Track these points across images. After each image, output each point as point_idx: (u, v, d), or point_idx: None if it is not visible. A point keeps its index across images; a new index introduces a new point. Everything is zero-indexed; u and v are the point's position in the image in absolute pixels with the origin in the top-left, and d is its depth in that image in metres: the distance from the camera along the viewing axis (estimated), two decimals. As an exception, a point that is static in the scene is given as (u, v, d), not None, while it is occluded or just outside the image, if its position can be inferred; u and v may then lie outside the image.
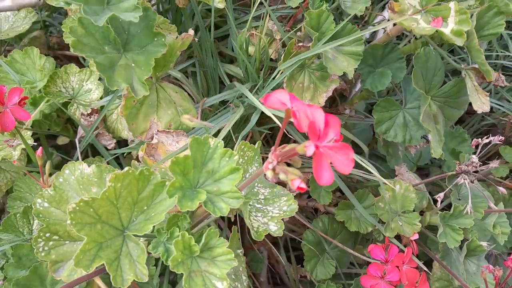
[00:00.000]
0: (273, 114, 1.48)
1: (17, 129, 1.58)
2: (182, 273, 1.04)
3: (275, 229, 1.25)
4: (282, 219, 1.27)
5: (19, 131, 1.60)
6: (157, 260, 1.79)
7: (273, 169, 0.90)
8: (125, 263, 1.05)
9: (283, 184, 1.93)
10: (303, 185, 0.85)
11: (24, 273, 1.45)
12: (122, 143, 1.99)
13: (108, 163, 1.87)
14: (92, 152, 2.01)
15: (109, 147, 1.91)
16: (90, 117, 1.88)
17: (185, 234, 1.04)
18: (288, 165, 0.93)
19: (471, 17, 1.51)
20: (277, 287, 2.35)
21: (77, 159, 1.88)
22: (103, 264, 1.04)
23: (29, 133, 1.80)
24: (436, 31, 1.50)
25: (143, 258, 1.04)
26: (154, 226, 1.10)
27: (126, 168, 1.04)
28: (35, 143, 1.74)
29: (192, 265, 1.06)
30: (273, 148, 0.92)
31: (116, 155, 1.89)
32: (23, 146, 1.66)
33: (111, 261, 1.03)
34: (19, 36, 2.11)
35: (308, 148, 0.80)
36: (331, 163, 0.82)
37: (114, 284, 1.00)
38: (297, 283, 2.13)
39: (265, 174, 0.92)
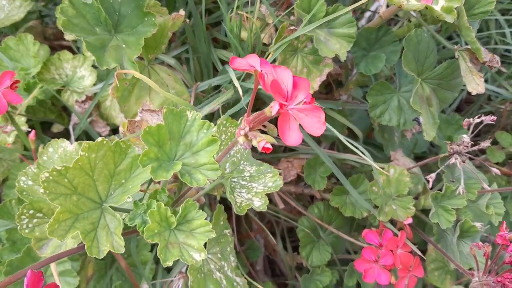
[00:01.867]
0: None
1: (9, 113, 1.58)
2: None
3: (259, 204, 1.24)
4: (267, 195, 1.26)
5: (12, 116, 1.60)
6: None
7: (245, 135, 0.90)
8: (102, 235, 1.05)
9: (269, 162, 1.94)
10: (269, 145, 0.84)
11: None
12: (116, 130, 1.99)
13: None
14: (87, 139, 2.01)
15: (103, 134, 1.91)
16: (84, 104, 1.89)
17: (161, 205, 1.03)
18: (264, 133, 0.93)
19: (460, -6, 1.50)
20: (274, 277, 2.33)
21: (72, 146, 1.89)
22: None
23: (23, 119, 1.80)
24: (426, 7, 1.48)
25: (119, 230, 1.04)
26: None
27: (99, 138, 1.04)
28: (29, 129, 1.75)
29: (170, 237, 1.05)
30: (245, 114, 0.91)
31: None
32: (17, 132, 1.67)
33: (87, 231, 1.02)
34: (15, 26, 2.12)
35: (272, 107, 0.79)
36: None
37: (90, 254, 1.00)
38: (293, 271, 2.12)
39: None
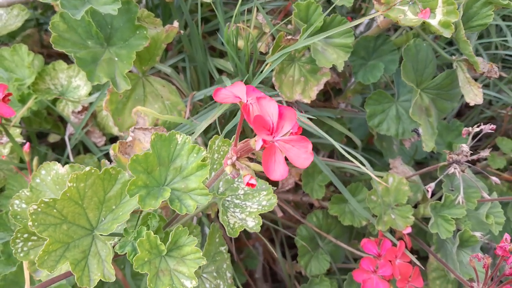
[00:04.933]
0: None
1: (3, 126, 1.58)
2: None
3: (253, 224, 1.23)
4: (260, 215, 1.25)
5: (6, 128, 1.59)
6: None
7: (233, 165, 0.88)
8: (93, 263, 1.04)
9: (265, 177, 1.92)
10: (253, 181, 0.83)
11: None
12: (113, 139, 1.98)
13: (98, 159, 1.87)
14: (84, 148, 2.01)
15: (99, 145, 1.90)
16: (81, 115, 1.88)
17: (150, 234, 1.02)
18: (252, 160, 0.92)
19: (458, 7, 1.48)
20: (275, 283, 2.32)
21: (68, 156, 1.88)
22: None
23: (18, 130, 1.79)
24: (423, 22, 1.47)
25: (110, 258, 1.03)
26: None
27: (87, 168, 1.02)
28: (24, 141, 1.74)
29: (160, 264, 1.04)
30: (233, 143, 0.90)
31: (107, 151, 1.88)
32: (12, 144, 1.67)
33: (77, 261, 1.01)
34: (12, 35, 2.11)
35: (256, 142, 0.78)
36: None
37: (80, 284, 0.99)
38: (292, 279, 2.11)
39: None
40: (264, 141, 0.77)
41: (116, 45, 1.57)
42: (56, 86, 1.92)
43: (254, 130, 0.77)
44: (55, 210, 1.01)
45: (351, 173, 2.06)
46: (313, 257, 1.97)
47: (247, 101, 0.83)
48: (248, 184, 0.83)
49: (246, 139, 0.89)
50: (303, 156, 0.80)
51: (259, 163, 0.87)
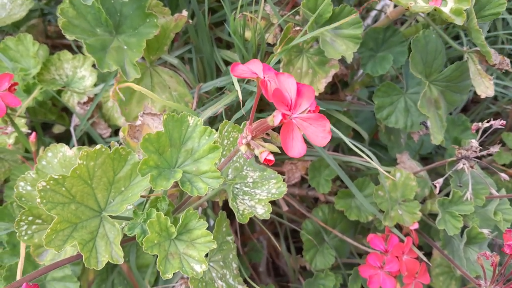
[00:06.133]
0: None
1: (9, 116, 1.56)
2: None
3: (262, 212, 1.21)
4: (270, 202, 1.23)
5: (11, 118, 1.58)
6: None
7: (248, 144, 0.87)
8: (101, 245, 1.02)
9: (273, 164, 1.90)
10: (271, 157, 0.81)
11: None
12: (119, 131, 1.96)
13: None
14: (89, 140, 1.99)
15: (104, 136, 1.88)
16: (86, 106, 1.86)
17: (160, 215, 1.00)
18: (267, 141, 0.90)
19: (470, -5, 1.46)
20: (278, 277, 2.31)
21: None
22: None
23: (23, 120, 1.78)
24: (435, 9, 1.45)
25: (119, 240, 1.01)
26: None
27: (98, 146, 1.01)
28: (29, 131, 1.72)
29: (170, 247, 1.02)
30: (247, 122, 0.88)
31: (112, 143, 1.87)
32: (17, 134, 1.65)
33: (85, 242, 1.00)
34: (17, 25, 2.09)
35: (275, 117, 0.76)
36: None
37: (88, 265, 0.97)
38: (296, 273, 2.09)
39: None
40: (283, 115, 0.76)
41: (125, 33, 1.55)
42: (61, 77, 1.90)
43: (274, 104, 0.75)
44: (63, 189, 0.99)
45: (357, 167, 2.05)
46: (319, 251, 1.95)
47: (264, 77, 0.81)
48: (265, 160, 0.82)
49: (260, 119, 0.87)
50: (320, 135, 0.79)
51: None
